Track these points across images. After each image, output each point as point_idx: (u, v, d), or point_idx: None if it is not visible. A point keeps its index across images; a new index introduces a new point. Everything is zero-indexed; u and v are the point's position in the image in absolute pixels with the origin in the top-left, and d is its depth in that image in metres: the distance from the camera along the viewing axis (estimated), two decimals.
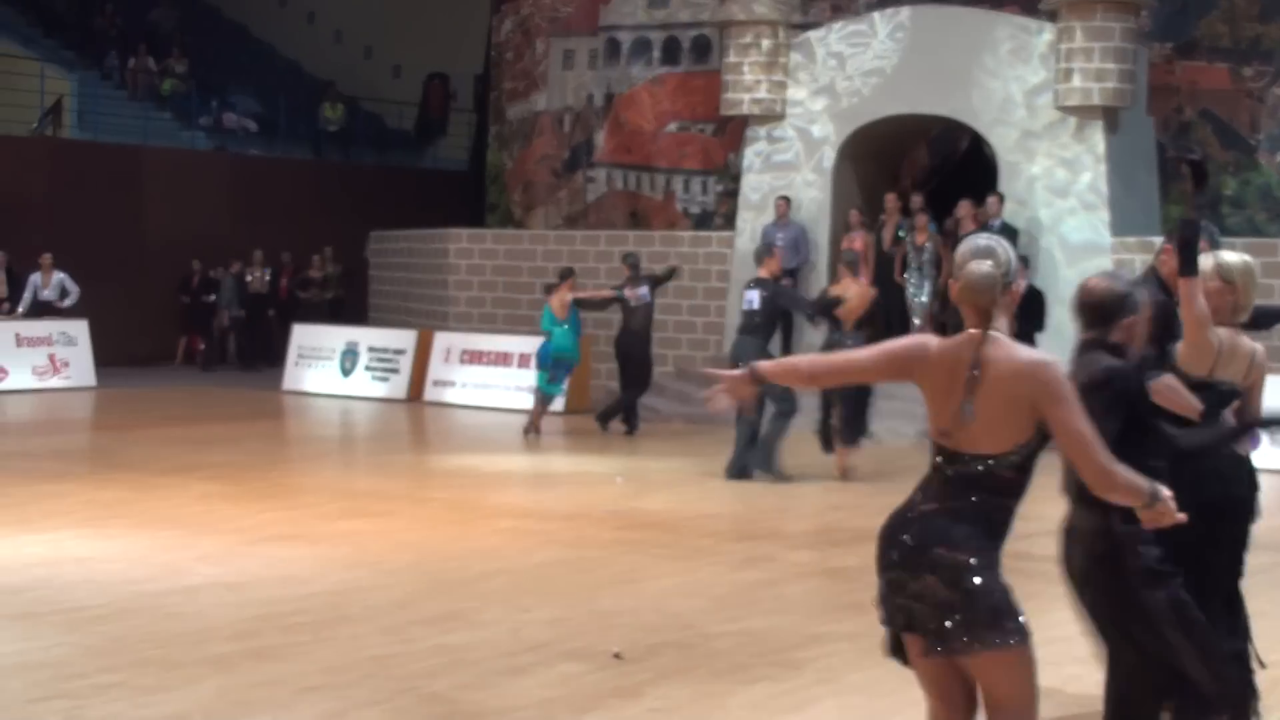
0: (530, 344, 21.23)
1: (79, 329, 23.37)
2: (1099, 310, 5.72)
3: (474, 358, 21.53)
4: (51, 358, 22.95)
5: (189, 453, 15.97)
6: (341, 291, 27.94)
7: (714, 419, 19.05)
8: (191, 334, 27.81)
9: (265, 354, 26.89)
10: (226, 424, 18.92)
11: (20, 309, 23.63)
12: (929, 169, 23.72)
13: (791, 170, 21.64)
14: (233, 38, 36.78)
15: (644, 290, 18.20)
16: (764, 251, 15.25)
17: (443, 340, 22.15)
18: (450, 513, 12.57)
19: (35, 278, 23.84)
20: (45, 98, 28.26)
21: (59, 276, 23.90)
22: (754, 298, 14.69)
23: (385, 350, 22.45)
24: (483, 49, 30.88)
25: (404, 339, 22.56)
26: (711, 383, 5.44)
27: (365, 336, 23.00)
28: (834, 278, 20.60)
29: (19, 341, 22.65)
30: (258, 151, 31.50)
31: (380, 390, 22.11)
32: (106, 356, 24.08)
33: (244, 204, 29.01)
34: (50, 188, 26.58)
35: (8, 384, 22.26)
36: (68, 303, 23.88)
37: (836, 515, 12.82)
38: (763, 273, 14.95)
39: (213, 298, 27.64)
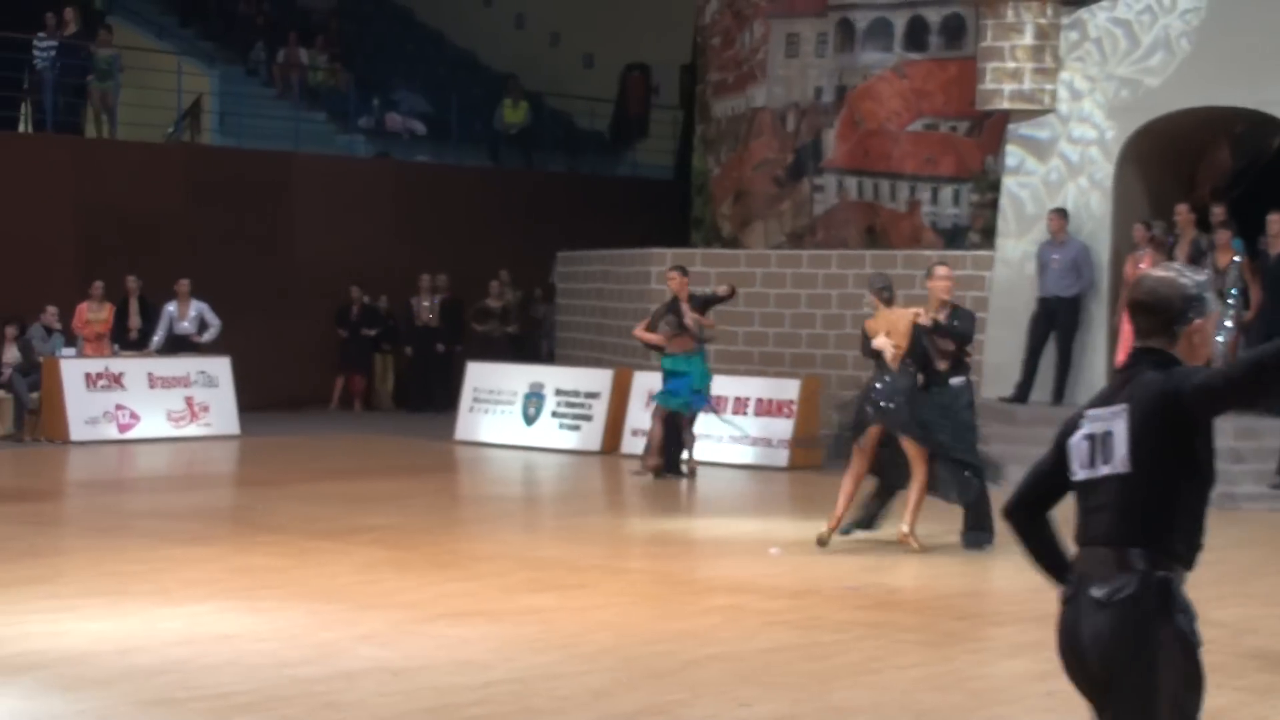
0: (746, 385, 21.30)
1: (220, 368, 23.91)
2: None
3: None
4: (189, 401, 23.52)
5: (348, 513, 16.26)
6: (523, 324, 28.27)
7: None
8: (350, 373, 28.30)
9: (435, 397, 27.29)
10: (392, 479, 19.23)
11: (154, 344, 24.24)
12: (1232, 174, 23.32)
13: (1063, 176, 21.42)
14: (397, 25, 37.47)
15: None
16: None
17: (644, 381, 22.24)
18: (654, 587, 12.63)
19: (170, 308, 24.44)
20: (182, 97, 29.03)
21: (197, 306, 24.48)
22: None
23: (575, 394, 22.63)
24: (690, 34, 31.05)
25: (598, 380, 22.72)
26: None
27: (552, 377, 23.21)
28: (1118, 305, 20.37)
29: (152, 382, 23.26)
30: (426, 158, 32.02)
31: (570, 440, 22.28)
32: (252, 400, 24.60)
33: (410, 220, 29.50)
34: (188, 202, 27.26)
35: (139, 431, 22.87)
36: (207, 337, 24.45)
37: None
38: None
39: (374, 331, 28.16)
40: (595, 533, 15.52)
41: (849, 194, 25.85)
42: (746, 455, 20.61)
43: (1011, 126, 21.94)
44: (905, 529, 14.20)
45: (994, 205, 22.88)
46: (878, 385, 14.23)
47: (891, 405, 14.07)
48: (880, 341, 14.27)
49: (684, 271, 19.64)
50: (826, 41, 26.22)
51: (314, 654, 10.07)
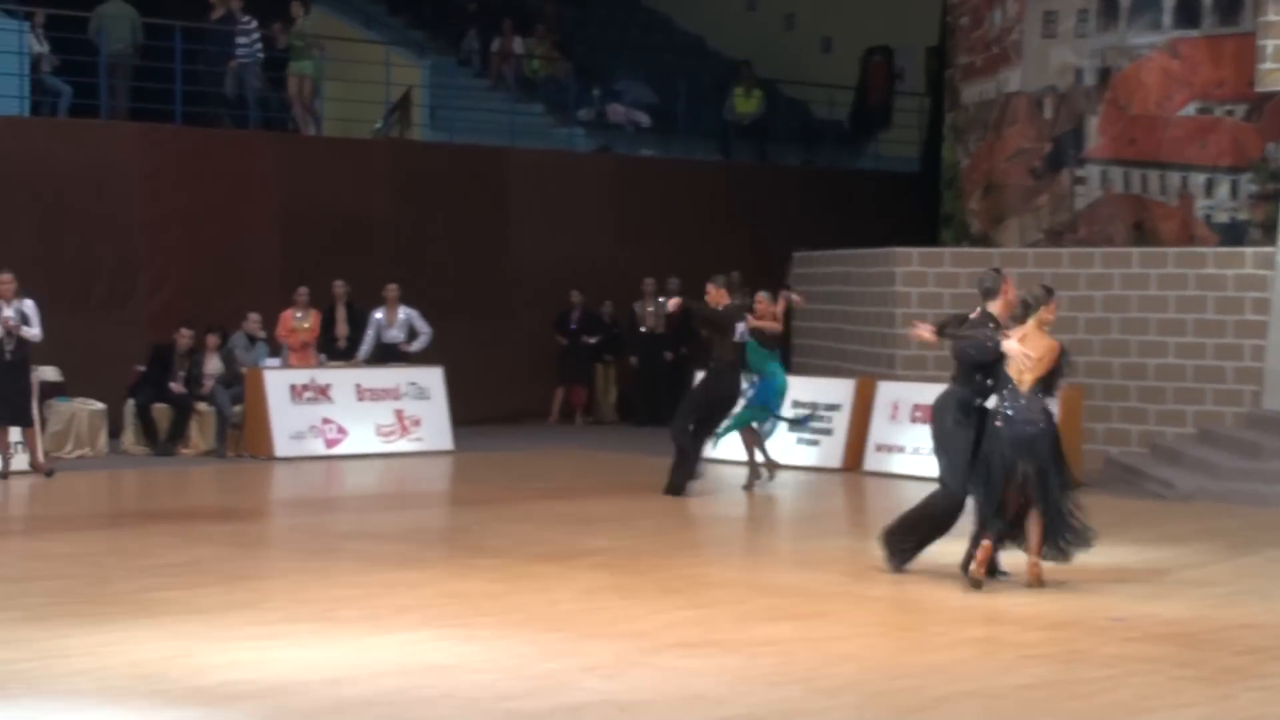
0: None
1: (432, 378, 24.21)
2: None
3: (930, 415, 21.47)
4: (399, 414, 23.84)
5: (570, 535, 16.41)
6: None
7: (1253, 499, 18.67)
8: (570, 384, 28.47)
9: (662, 409, 27.39)
10: (616, 498, 19.36)
11: (361, 354, 24.59)
12: None
13: None
14: (620, 9, 37.69)
15: (743, 327, 19.63)
16: (995, 280, 14.34)
17: (888, 392, 22.19)
18: (901, 616, 12.60)
19: (378, 315, 24.77)
20: (391, 90, 29.42)
21: (406, 313, 24.79)
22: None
23: (814, 405, 22.58)
24: (937, 14, 30.89)
25: (838, 391, 22.68)
26: None
27: (788, 388, 23.15)
28: None
29: (360, 394, 23.60)
30: (651, 152, 32.16)
31: (808, 456, 22.25)
32: (465, 413, 24.88)
33: (634, 219, 29.64)
34: (396, 202, 27.63)
35: (346, 446, 23.24)
36: (417, 345, 24.75)
37: None
38: (995, 308, 14.26)
39: (596, 338, 28.30)
40: (836, 557, 15.49)
41: (1114, 186, 25.56)
42: None
43: None
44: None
45: (1275, 197, 22.50)
46: (1008, 409, 13.79)
47: (1033, 429, 13.66)
48: (1013, 346, 13.67)
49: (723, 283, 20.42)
50: (1088, 19, 25.95)
51: (535, 686, 10.15)
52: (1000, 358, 13.67)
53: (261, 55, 27.48)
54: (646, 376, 28.25)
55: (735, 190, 30.87)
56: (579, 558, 14.97)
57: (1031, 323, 13.78)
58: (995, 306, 14.06)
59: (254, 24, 27.26)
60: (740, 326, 19.53)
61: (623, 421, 28.43)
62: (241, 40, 27.15)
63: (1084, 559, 15.01)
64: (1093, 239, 25.19)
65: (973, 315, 14.15)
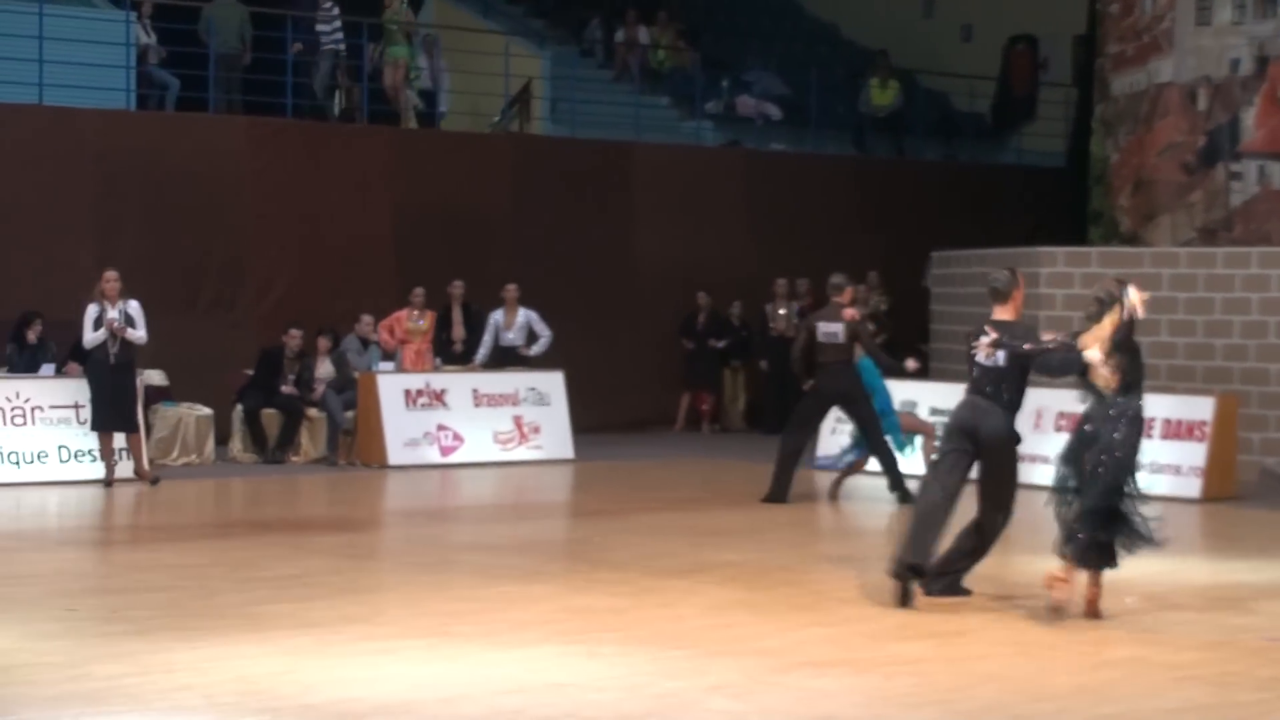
0: (1151, 404, 20.94)
1: (552, 383, 24.27)
2: None
3: (1075, 422, 21.37)
4: (518, 421, 23.91)
5: (697, 548, 16.40)
6: (892, 332, 28.20)
7: None
8: (697, 390, 28.47)
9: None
10: (744, 510, 19.35)
11: (478, 357, 24.66)
12: None
13: None
14: None
15: (838, 328, 19.71)
16: (1009, 283, 14.02)
17: (1032, 399, 21.71)
18: (1044, 634, 12.52)
19: (497, 316, 24.83)
20: (510, 82, 29.52)
21: (526, 315, 24.84)
22: (1001, 354, 13.76)
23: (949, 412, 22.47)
24: (1085, 1, 30.70)
25: None
26: None
27: (926, 393, 23.09)
28: None
29: (477, 399, 23.69)
30: (782, 146, 32.13)
31: None
32: (586, 419, 24.95)
33: (764, 217, 29.60)
34: (516, 199, 27.71)
35: (463, 454, 23.33)
36: (537, 349, 24.80)
37: None
38: (1004, 314, 13.98)
39: (724, 342, 28.27)
40: (977, 573, 15.41)
41: (1271, 182, 25.37)
42: (1152, 484, 20.25)
43: None
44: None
45: None
46: (1096, 416, 13.59)
47: (1117, 435, 13.47)
48: (1095, 356, 13.34)
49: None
50: (1245, 6, 25.76)
51: (658, 706, 10.17)
52: (1085, 370, 13.53)
53: (343, 46, 27.55)
54: (777, 382, 28.11)
55: (870, 186, 30.79)
56: (705, 572, 14.97)
57: (1108, 320, 13.48)
58: (1004, 312, 13.86)
59: (335, 10, 27.33)
60: (821, 326, 19.89)
61: (752, 429, 28.37)
62: (323, 28, 27.26)
63: (1240, 576, 14.94)
64: (1249, 238, 24.98)
65: (989, 327, 13.82)
